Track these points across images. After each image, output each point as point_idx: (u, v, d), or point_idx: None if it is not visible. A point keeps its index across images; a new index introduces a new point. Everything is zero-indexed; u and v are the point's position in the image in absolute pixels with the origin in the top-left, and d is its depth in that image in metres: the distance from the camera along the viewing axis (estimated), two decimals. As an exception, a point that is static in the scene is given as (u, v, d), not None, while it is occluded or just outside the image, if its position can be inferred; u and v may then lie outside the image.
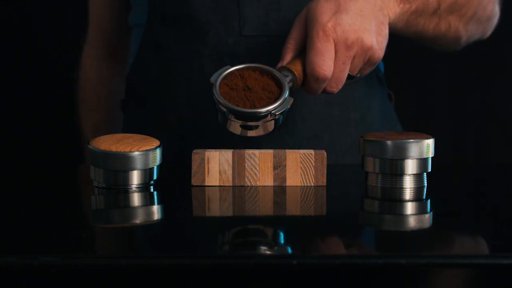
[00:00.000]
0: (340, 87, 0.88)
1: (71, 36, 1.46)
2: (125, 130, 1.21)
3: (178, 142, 1.13)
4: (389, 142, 0.78)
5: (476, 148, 1.67)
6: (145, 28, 1.15)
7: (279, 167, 0.82)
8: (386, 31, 0.90)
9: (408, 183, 0.79)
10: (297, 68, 0.87)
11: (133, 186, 0.81)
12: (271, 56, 1.10)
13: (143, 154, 0.80)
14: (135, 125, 1.19)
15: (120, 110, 1.24)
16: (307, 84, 0.88)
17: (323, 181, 0.82)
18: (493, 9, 1.12)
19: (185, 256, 0.58)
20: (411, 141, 0.78)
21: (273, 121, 0.82)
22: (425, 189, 0.79)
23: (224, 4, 1.08)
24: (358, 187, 0.86)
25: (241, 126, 0.82)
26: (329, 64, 0.86)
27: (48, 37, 1.61)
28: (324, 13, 0.87)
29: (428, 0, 0.99)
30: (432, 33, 1.03)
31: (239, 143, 0.93)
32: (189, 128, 1.13)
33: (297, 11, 1.10)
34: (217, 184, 0.82)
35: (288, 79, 0.85)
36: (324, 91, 0.89)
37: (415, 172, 0.79)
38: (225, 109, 0.81)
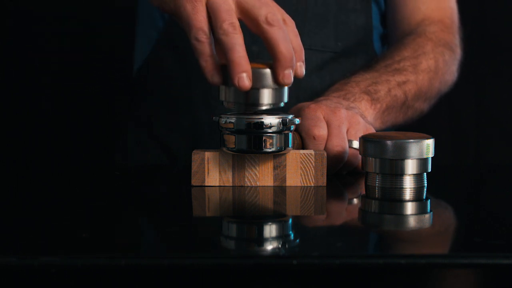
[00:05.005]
0: (344, 144, 0.87)
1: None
2: (132, 128, 1.21)
3: (190, 142, 1.13)
4: (389, 142, 0.78)
5: (476, 148, 1.67)
6: (163, 27, 1.15)
7: (279, 167, 0.82)
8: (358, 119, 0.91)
9: (408, 183, 0.79)
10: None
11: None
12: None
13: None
14: (143, 122, 1.19)
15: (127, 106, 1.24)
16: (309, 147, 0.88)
17: (323, 181, 0.82)
18: (453, 77, 1.19)
19: (185, 256, 0.58)
20: (411, 141, 0.78)
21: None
22: (425, 189, 0.79)
23: None
24: (358, 187, 0.86)
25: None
26: (322, 125, 0.87)
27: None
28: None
29: (396, 95, 1.04)
30: (402, 121, 1.09)
31: None
32: (203, 129, 1.13)
33: (322, 24, 1.12)
34: (217, 184, 0.82)
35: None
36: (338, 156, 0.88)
37: (415, 172, 0.79)
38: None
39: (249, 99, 0.78)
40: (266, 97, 0.79)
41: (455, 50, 1.17)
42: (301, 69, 0.80)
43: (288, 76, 0.78)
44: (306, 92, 1.11)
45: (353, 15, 1.14)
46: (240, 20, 0.79)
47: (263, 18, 0.78)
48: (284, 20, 0.79)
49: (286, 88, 0.80)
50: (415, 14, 1.18)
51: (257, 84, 0.78)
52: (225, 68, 0.78)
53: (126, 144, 1.21)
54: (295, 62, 0.78)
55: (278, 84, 0.78)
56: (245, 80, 0.76)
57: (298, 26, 1.11)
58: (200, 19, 0.78)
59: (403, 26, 1.19)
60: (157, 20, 1.17)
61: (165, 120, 1.16)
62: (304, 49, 1.10)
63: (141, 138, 1.19)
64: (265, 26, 0.78)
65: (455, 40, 1.18)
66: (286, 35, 0.78)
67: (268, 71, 0.78)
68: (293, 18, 1.10)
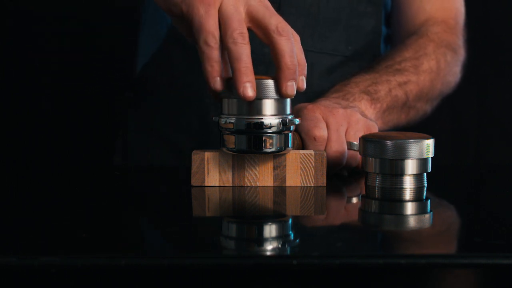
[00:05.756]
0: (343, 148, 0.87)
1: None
2: (135, 128, 1.20)
3: (197, 142, 1.12)
4: (389, 142, 0.78)
5: (476, 148, 1.67)
6: (171, 24, 1.14)
7: (279, 167, 0.82)
8: (358, 116, 0.91)
9: (408, 183, 0.79)
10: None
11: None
12: None
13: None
14: (148, 121, 1.18)
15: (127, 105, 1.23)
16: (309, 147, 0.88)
17: (323, 181, 0.82)
18: (456, 78, 1.18)
19: (185, 256, 0.58)
20: (411, 141, 0.78)
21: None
22: (425, 189, 0.79)
23: None
24: (358, 187, 0.86)
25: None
26: (322, 125, 0.87)
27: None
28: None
29: (397, 95, 1.04)
30: (404, 122, 1.08)
31: None
32: (211, 129, 1.13)
33: (333, 28, 1.12)
34: (217, 185, 0.82)
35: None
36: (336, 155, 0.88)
37: (415, 172, 0.79)
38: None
39: (252, 111, 0.79)
40: (269, 108, 0.79)
41: (458, 51, 1.17)
42: (303, 83, 0.80)
43: (291, 87, 0.78)
44: (315, 95, 1.11)
45: (363, 19, 1.14)
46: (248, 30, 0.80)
47: (273, 27, 0.78)
48: (292, 34, 0.80)
49: (288, 100, 0.80)
50: (420, 14, 1.18)
51: (260, 94, 0.78)
52: (228, 81, 0.78)
53: (129, 144, 1.21)
54: (297, 76, 0.79)
55: (280, 95, 0.79)
56: (249, 89, 0.76)
57: (310, 29, 1.11)
58: (211, 24, 0.78)
59: (407, 26, 1.19)
60: (167, 16, 1.16)
61: (172, 119, 1.16)
62: (315, 52, 1.11)
63: (145, 137, 1.18)
64: (275, 35, 0.78)
65: (459, 41, 1.18)
66: (293, 47, 0.79)
67: (270, 81, 0.78)
68: (305, 21, 1.11)
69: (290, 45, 0.78)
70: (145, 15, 1.22)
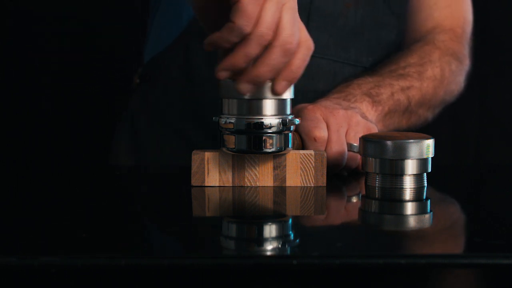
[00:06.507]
0: (342, 148, 0.87)
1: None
2: (144, 122, 1.19)
3: (210, 137, 1.12)
4: (389, 142, 0.78)
5: (476, 148, 1.67)
6: (193, 16, 1.13)
7: (279, 167, 0.82)
8: (358, 118, 0.91)
9: (408, 183, 0.79)
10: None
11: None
12: (325, 76, 1.12)
13: None
14: (160, 116, 1.17)
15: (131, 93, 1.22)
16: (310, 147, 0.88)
17: (323, 181, 0.82)
18: (459, 88, 1.19)
19: (185, 256, 0.58)
20: (411, 141, 0.78)
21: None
22: (425, 189, 0.79)
23: None
24: (358, 187, 0.86)
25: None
26: (322, 126, 0.87)
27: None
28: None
29: (399, 100, 1.04)
30: (405, 127, 1.08)
31: None
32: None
33: (358, 39, 1.13)
34: (217, 185, 0.82)
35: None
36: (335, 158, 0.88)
37: (415, 172, 0.79)
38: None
39: (252, 111, 0.79)
40: (269, 108, 0.79)
41: (463, 61, 1.17)
42: (287, 88, 0.79)
43: (285, 87, 0.78)
44: None
45: (384, 31, 1.15)
46: None
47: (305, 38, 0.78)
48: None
49: (288, 100, 0.80)
50: (428, 21, 1.18)
51: (260, 94, 0.78)
52: (227, 82, 0.79)
53: (141, 138, 1.20)
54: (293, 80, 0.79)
55: (272, 90, 0.78)
56: (249, 90, 0.76)
57: (336, 39, 1.11)
58: (275, 25, 0.76)
59: (414, 32, 1.19)
60: (187, 9, 1.15)
61: (186, 113, 1.15)
62: (339, 62, 1.11)
63: (158, 131, 1.17)
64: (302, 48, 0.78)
65: (464, 50, 1.18)
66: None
67: (270, 82, 0.78)
68: (332, 31, 1.11)
69: (307, 60, 0.78)
70: (152, 16, 1.22)
